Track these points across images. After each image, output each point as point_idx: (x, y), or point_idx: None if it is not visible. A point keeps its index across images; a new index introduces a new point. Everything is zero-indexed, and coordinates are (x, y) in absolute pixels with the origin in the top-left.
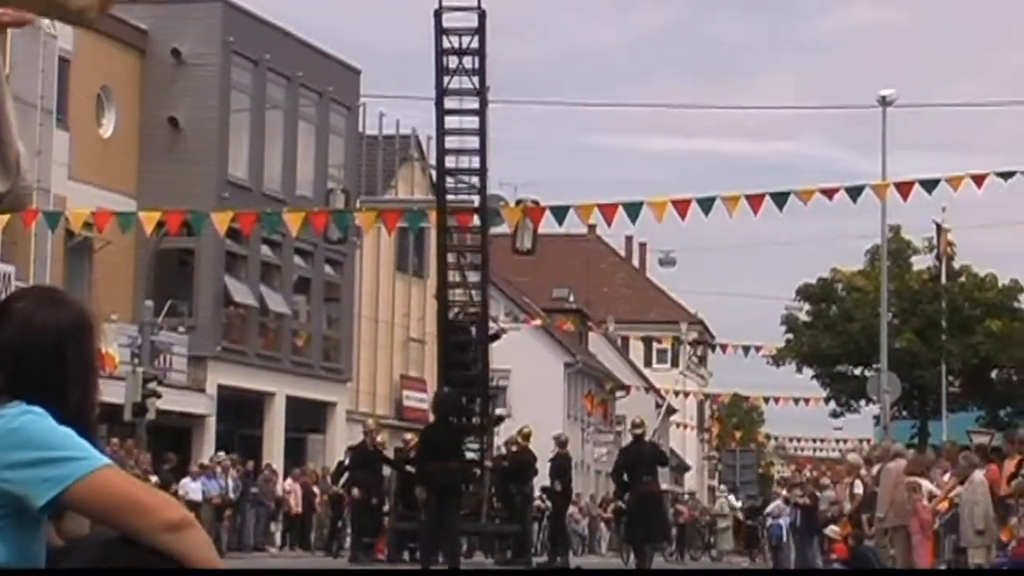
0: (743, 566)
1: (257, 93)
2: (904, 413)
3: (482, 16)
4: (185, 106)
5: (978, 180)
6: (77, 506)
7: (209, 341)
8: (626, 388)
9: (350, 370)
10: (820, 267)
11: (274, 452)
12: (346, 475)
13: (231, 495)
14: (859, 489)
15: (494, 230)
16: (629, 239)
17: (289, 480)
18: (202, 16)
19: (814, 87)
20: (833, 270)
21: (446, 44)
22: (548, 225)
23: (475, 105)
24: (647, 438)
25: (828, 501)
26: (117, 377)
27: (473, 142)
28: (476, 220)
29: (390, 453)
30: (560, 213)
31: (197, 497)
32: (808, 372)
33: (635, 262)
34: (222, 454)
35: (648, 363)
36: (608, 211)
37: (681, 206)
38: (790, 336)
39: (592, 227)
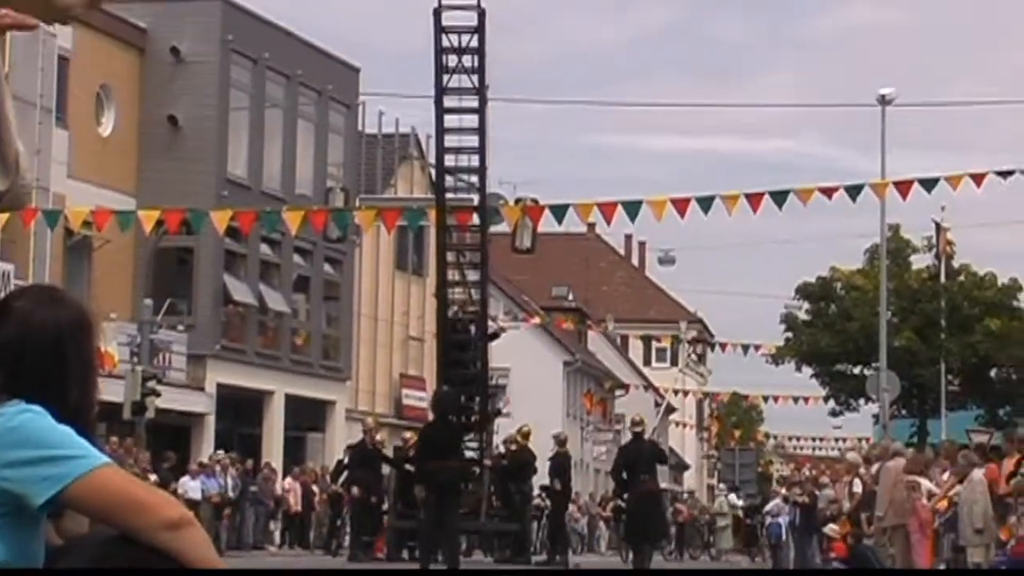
0: (742, 565)
1: (256, 92)
2: (903, 412)
3: (482, 15)
4: (184, 104)
5: (977, 179)
6: (76, 505)
7: (208, 340)
8: (625, 387)
9: (349, 369)
10: (819, 266)
11: (273, 451)
12: (345, 474)
13: (230, 494)
14: (858, 488)
15: (493, 229)
16: (628, 238)
17: (288, 479)
18: (201, 15)
19: (814, 87)
20: (832, 269)
21: (445, 43)
22: (547, 224)
23: (475, 104)
24: (646, 436)
25: (827, 500)
26: (116, 376)
27: (472, 141)
28: (475, 219)
29: (389, 452)
30: (559, 212)
31: (196, 496)
32: (807, 371)
33: (634, 261)
34: (221, 453)
35: (647, 362)
36: (607, 210)
37: (680, 205)
38: (789, 335)
39: (591, 226)
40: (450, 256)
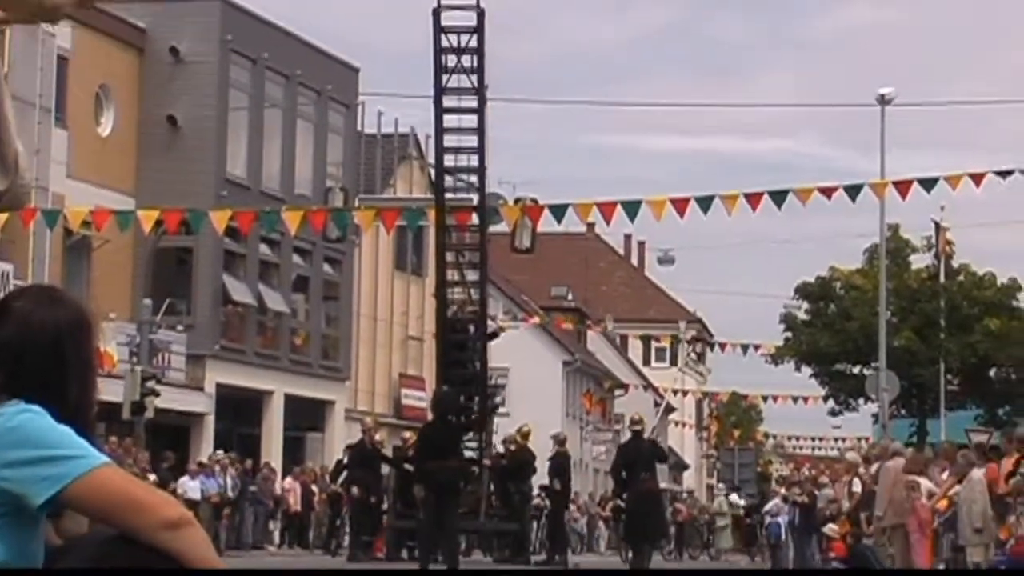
0: (741, 565)
1: (256, 91)
2: (903, 411)
3: (481, 14)
4: (183, 104)
5: (977, 179)
6: (76, 504)
7: (208, 339)
8: (625, 387)
9: (349, 368)
10: (819, 266)
11: (273, 450)
12: (345, 473)
13: (230, 493)
14: (858, 487)
15: (493, 228)
16: (628, 237)
17: (288, 479)
18: (200, 15)
19: (813, 86)
20: (832, 269)
21: (445, 43)
22: (547, 223)
23: (474, 104)
24: (646, 435)
25: (826, 499)
26: (115, 375)
27: (472, 140)
28: (475, 218)
29: (389, 451)
30: (559, 211)
31: (196, 495)
32: (807, 371)
33: (634, 260)
34: (221, 452)
35: (647, 361)
36: (607, 209)
37: (680, 205)
38: (789, 335)
39: (591, 225)
40: (449, 256)
